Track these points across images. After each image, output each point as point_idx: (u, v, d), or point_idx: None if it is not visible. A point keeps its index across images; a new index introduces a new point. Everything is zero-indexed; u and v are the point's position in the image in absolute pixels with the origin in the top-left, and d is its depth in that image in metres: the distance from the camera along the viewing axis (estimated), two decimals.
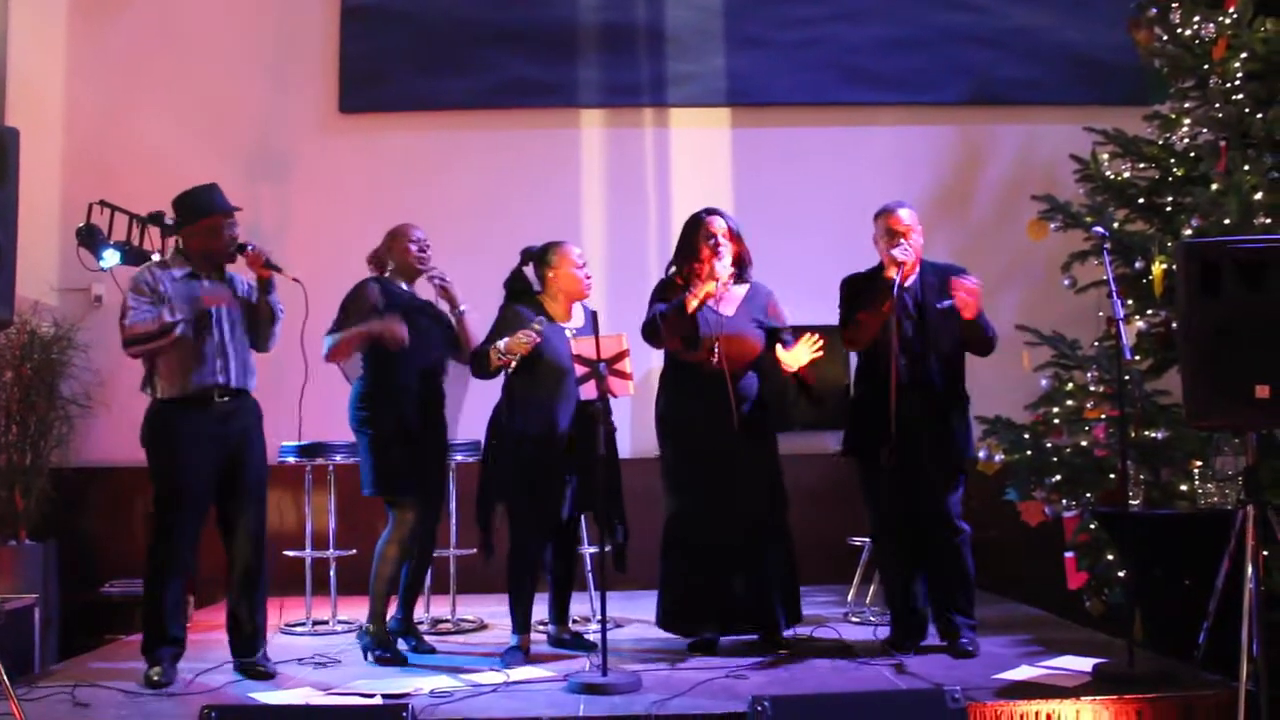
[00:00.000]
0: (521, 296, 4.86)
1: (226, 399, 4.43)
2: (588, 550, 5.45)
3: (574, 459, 4.67)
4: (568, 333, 4.77)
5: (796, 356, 4.64)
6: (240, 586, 4.49)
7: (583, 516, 4.98)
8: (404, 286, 4.93)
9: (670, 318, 4.66)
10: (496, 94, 7.18)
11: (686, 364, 4.73)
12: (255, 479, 4.52)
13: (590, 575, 5.60)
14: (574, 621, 5.19)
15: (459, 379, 5.82)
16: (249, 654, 4.49)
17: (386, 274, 4.95)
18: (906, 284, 4.63)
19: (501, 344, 4.62)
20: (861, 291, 4.69)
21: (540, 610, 4.93)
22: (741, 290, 4.84)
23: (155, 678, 4.27)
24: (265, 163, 7.07)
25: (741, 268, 4.84)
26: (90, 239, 6.13)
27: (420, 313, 4.89)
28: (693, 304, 4.64)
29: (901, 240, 4.59)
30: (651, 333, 4.74)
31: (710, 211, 4.83)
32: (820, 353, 4.66)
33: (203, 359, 4.40)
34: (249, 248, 4.50)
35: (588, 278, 4.86)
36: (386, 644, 4.76)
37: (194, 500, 4.39)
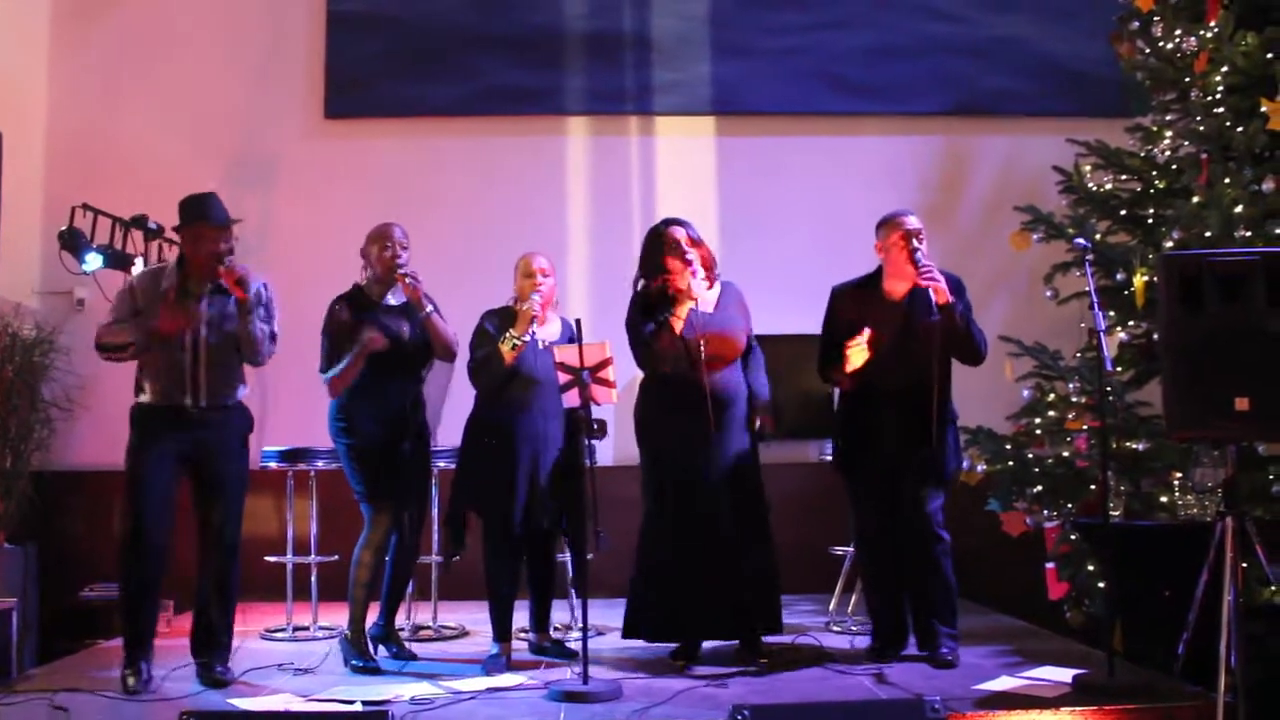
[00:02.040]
0: (496, 309, 4.86)
1: (198, 412, 4.41)
2: (568, 558, 5.43)
3: (549, 467, 4.68)
4: (540, 343, 4.78)
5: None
6: (214, 589, 4.46)
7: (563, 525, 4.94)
8: (386, 298, 4.87)
9: (663, 339, 4.64)
10: (482, 100, 7.19)
11: (666, 373, 4.71)
12: (231, 486, 4.47)
13: (571, 584, 5.59)
14: (555, 629, 5.18)
15: (445, 386, 5.82)
16: (216, 658, 4.45)
17: (364, 281, 4.92)
18: (899, 297, 4.61)
19: (508, 335, 4.64)
20: (846, 313, 4.67)
21: (521, 618, 4.93)
22: (715, 289, 4.80)
23: (130, 682, 4.25)
24: (250, 167, 7.05)
25: (710, 269, 4.78)
26: (73, 242, 6.10)
27: (395, 320, 4.84)
28: (678, 325, 4.62)
29: (915, 244, 4.53)
30: (648, 358, 4.70)
31: (668, 223, 4.78)
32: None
33: (173, 376, 4.39)
34: (224, 264, 4.40)
35: (535, 288, 4.77)
36: (365, 651, 4.74)
37: (155, 502, 4.35)
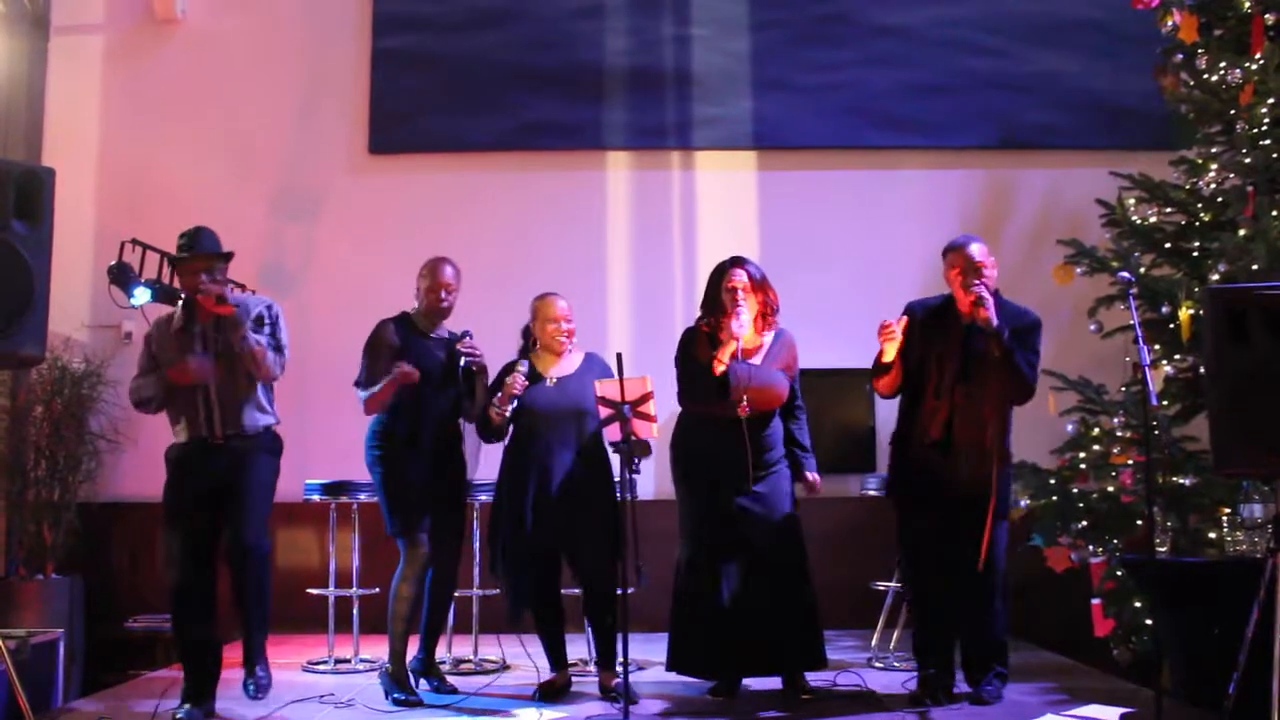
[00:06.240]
0: (523, 351, 4.90)
1: (221, 442, 4.49)
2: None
3: (566, 503, 4.67)
4: (548, 382, 4.80)
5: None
6: (241, 591, 4.48)
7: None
8: (436, 330, 4.92)
9: (706, 382, 4.61)
10: (524, 135, 7.27)
11: (705, 413, 4.68)
12: (250, 491, 4.49)
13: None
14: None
15: None
16: (247, 672, 4.47)
17: (413, 311, 4.95)
18: (965, 323, 4.48)
19: (493, 403, 4.72)
20: (928, 329, 4.60)
21: (572, 649, 4.93)
22: (768, 337, 4.76)
23: (179, 716, 4.24)
24: (295, 202, 7.15)
25: (767, 315, 4.75)
26: (121, 276, 6.19)
27: (439, 351, 4.87)
28: (719, 369, 4.59)
29: (974, 281, 4.44)
30: (694, 396, 4.69)
31: (735, 262, 4.74)
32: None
33: (190, 412, 4.51)
34: (200, 289, 4.47)
35: (564, 334, 4.83)
36: (406, 684, 4.74)
37: (188, 538, 4.40)
